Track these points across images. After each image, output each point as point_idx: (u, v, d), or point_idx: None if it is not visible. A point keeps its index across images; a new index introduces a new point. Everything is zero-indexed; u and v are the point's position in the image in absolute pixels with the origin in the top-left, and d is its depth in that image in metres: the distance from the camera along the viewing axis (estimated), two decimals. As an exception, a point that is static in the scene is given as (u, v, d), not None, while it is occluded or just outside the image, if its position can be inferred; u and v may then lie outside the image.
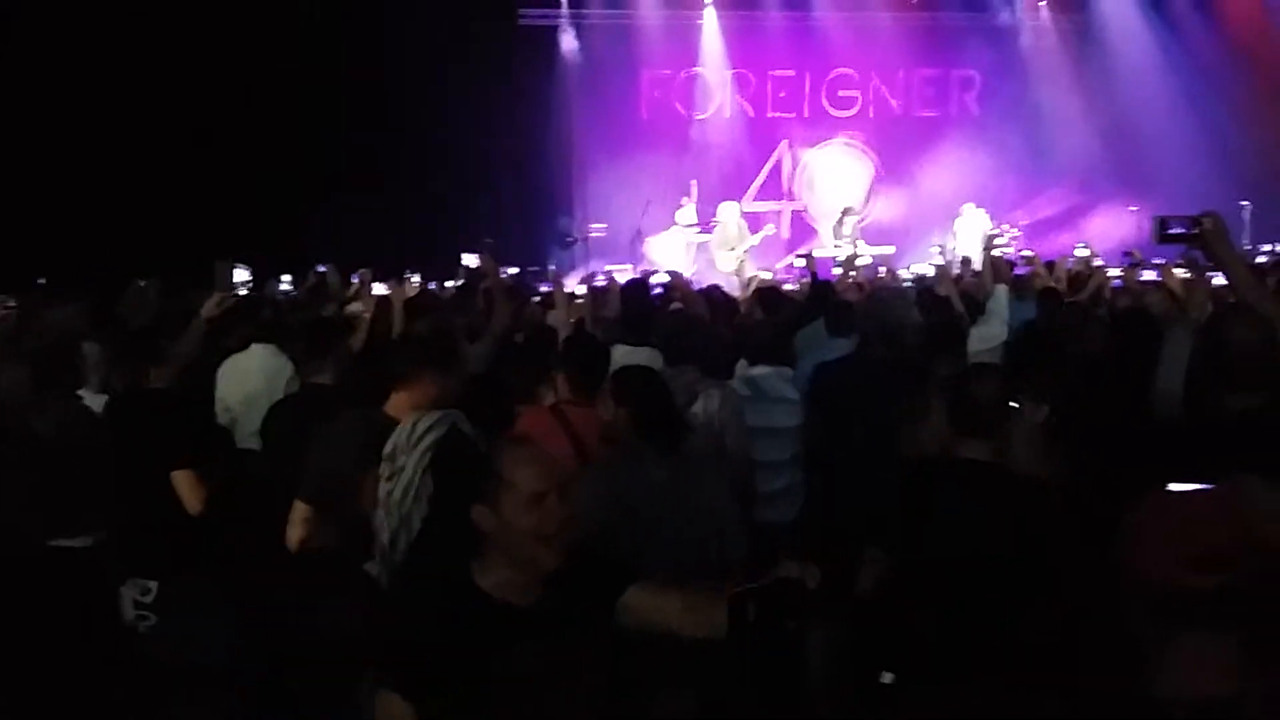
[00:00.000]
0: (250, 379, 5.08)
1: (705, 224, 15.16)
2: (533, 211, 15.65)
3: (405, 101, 13.94)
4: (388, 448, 3.22)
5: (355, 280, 8.90)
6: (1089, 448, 4.01)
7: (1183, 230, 3.31)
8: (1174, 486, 1.94)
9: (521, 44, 15.86)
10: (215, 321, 5.38)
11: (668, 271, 7.96)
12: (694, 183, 15.79)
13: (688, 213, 15.32)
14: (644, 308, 5.60)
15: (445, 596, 2.24)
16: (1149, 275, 7.25)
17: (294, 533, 3.60)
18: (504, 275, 10.00)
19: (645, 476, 3.43)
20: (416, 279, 8.63)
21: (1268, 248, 12.55)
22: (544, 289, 9.66)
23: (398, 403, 3.59)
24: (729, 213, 14.72)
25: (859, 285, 8.75)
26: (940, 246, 13.25)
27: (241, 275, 7.35)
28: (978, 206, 15.53)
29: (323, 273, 8.64)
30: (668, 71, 16.93)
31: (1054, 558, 2.96)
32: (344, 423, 3.61)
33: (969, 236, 14.85)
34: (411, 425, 3.24)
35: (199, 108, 12.78)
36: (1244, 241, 13.06)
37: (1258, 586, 1.67)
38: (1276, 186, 14.26)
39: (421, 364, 3.69)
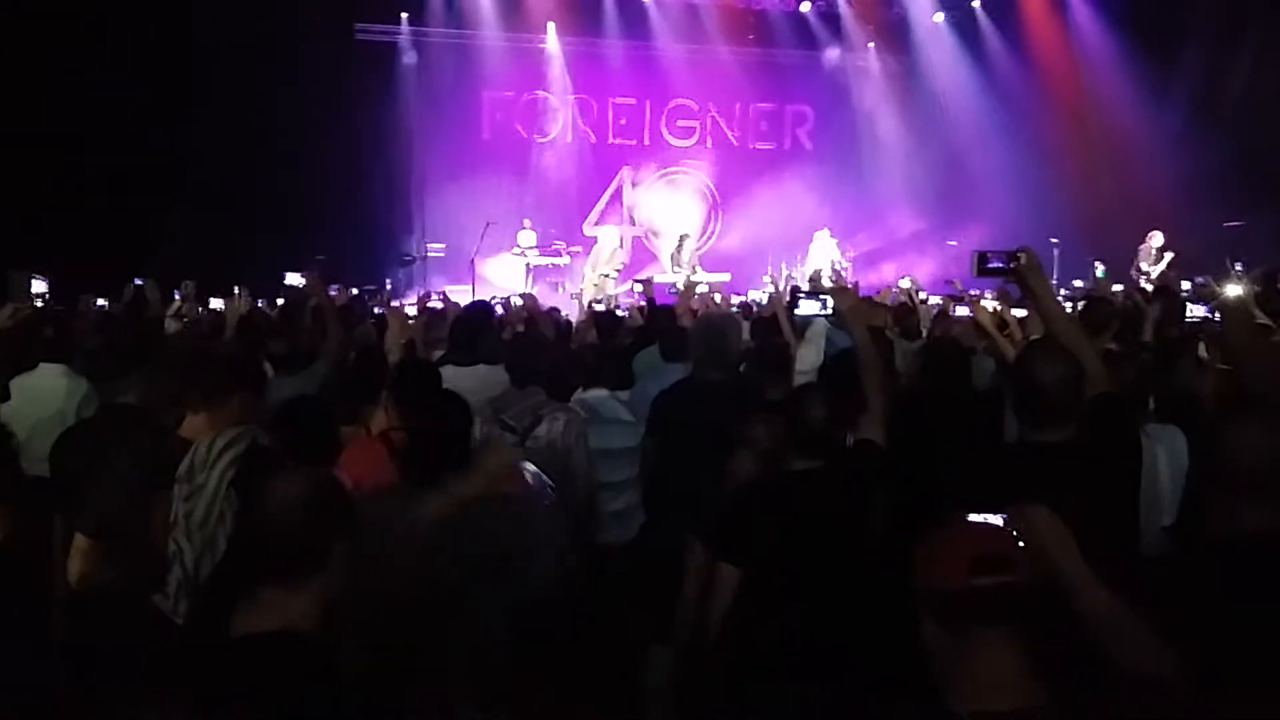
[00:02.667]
0: (39, 401, 4.74)
1: (546, 247, 15.16)
2: (370, 229, 15.33)
3: (235, 113, 13.44)
4: (183, 467, 3.04)
5: (177, 295, 8.51)
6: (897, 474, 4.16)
7: (1001, 264, 3.43)
8: (972, 517, 2.02)
9: (358, 59, 15.57)
10: (5, 334, 5.01)
11: (521, 295, 7.91)
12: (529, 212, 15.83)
13: (528, 235, 15.30)
14: (474, 329, 5.51)
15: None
16: (962, 310, 7.57)
17: (73, 567, 3.32)
18: (337, 294, 9.76)
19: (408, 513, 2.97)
20: (246, 295, 8.28)
21: (1079, 283, 13.34)
22: (379, 309, 9.44)
23: (194, 424, 3.37)
24: (607, 236, 14.82)
25: (694, 311, 8.88)
26: (771, 275, 13.63)
27: (39, 287, 6.89)
28: (832, 235, 16.10)
29: (140, 286, 8.19)
30: (510, 93, 16.92)
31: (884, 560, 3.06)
32: (130, 447, 3.37)
33: (819, 263, 15.39)
34: (210, 442, 3.09)
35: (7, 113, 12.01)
36: (1053, 277, 13.86)
37: (1039, 600, 1.76)
38: (1082, 225, 15.22)
39: (232, 385, 3.51)
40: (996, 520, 1.99)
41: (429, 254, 15.33)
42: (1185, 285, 8.47)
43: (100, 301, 9.03)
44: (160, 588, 2.99)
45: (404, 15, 16.07)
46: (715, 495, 3.69)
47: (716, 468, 3.81)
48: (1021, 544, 1.98)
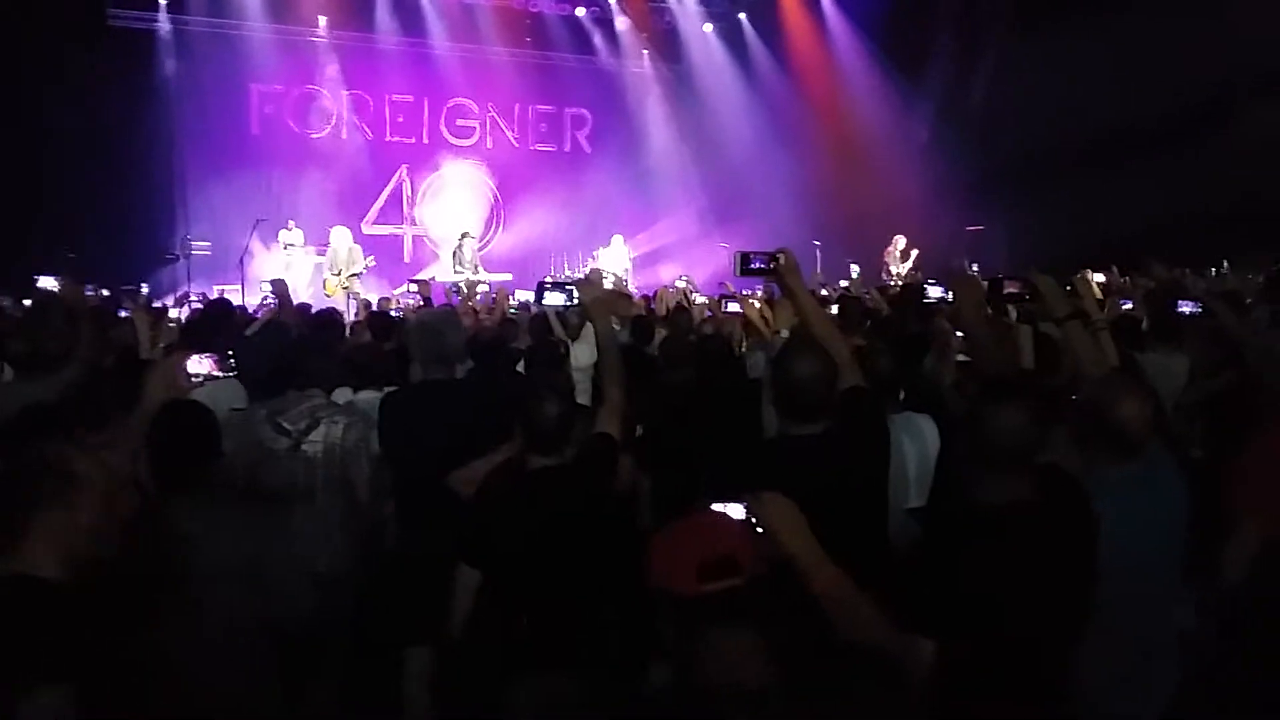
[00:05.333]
0: None
1: (321, 245, 14.70)
2: (127, 226, 14.38)
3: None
4: None
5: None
6: (670, 467, 4.33)
7: (762, 265, 3.61)
8: (714, 506, 2.15)
9: (112, 47, 14.60)
10: None
11: (272, 280, 7.60)
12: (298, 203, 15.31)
13: (293, 234, 14.78)
14: (211, 326, 5.31)
15: None
16: (734, 306, 7.91)
17: None
18: (91, 294, 9.14)
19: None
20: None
21: (844, 283, 14.12)
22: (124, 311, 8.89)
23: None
24: (340, 238, 14.37)
25: (475, 311, 8.87)
26: (550, 277, 13.73)
27: None
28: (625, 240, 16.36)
29: None
30: (280, 87, 16.29)
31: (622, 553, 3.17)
32: None
33: (613, 266, 15.64)
34: None
35: None
36: (816, 277, 14.62)
37: (769, 591, 1.87)
38: (842, 228, 16.13)
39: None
40: (738, 509, 2.13)
41: (193, 252, 14.54)
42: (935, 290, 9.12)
43: None
44: None
45: (161, 2, 15.19)
46: (451, 499, 3.69)
47: (450, 468, 3.82)
48: (759, 531, 2.13)
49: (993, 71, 16.92)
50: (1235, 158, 13.93)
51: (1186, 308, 5.86)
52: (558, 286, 4.29)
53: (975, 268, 13.01)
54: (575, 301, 4.19)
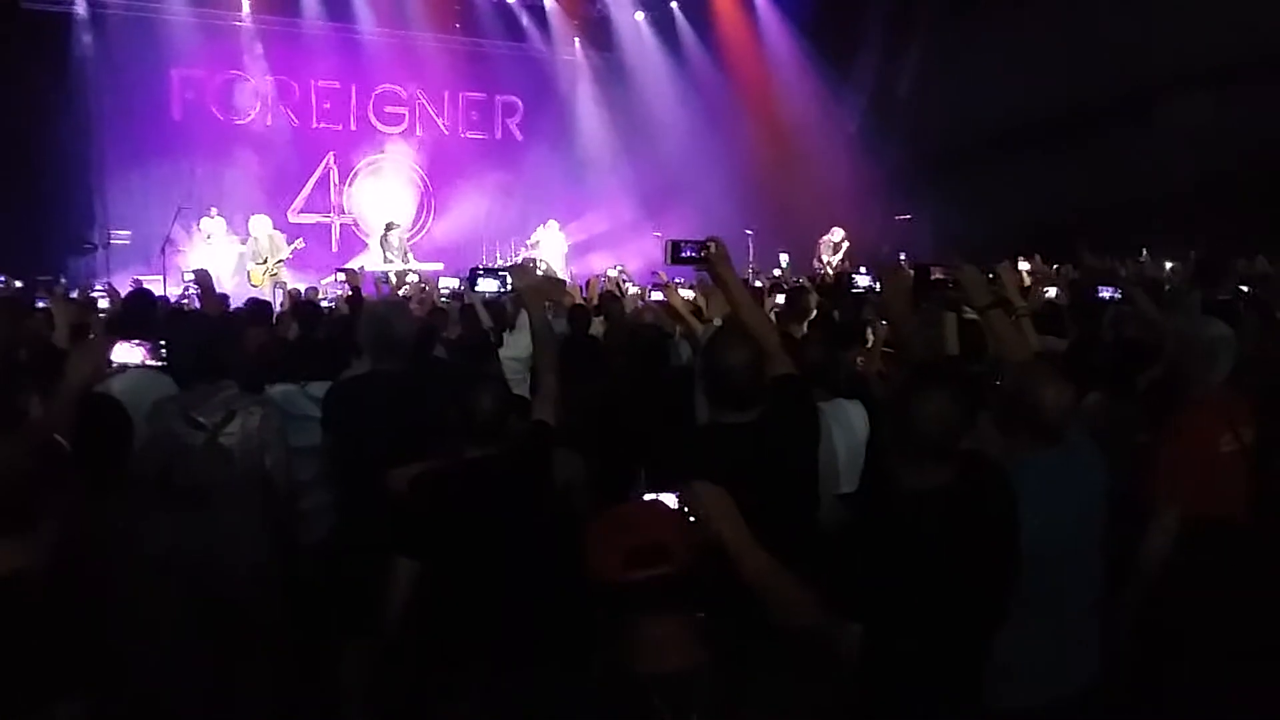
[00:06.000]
0: None
1: (245, 234, 14.42)
2: (42, 215, 13.96)
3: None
4: None
5: None
6: (607, 455, 4.32)
7: (693, 253, 3.61)
8: (646, 496, 2.16)
9: (26, 30, 14.15)
10: None
11: (194, 270, 7.44)
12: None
13: (215, 223, 14.47)
14: (137, 318, 5.19)
15: None
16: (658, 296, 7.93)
17: None
18: (3, 285, 8.88)
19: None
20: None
21: (778, 272, 14.22)
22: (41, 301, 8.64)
23: None
24: (260, 225, 14.11)
25: (405, 301, 8.77)
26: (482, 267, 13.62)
27: None
28: (561, 227, 16.33)
29: None
30: (202, 72, 15.92)
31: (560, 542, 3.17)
32: None
33: (549, 254, 15.59)
34: None
35: None
36: (749, 265, 14.72)
37: (699, 578, 1.88)
38: (773, 217, 16.27)
39: None
40: (671, 498, 2.15)
41: (113, 241, 14.17)
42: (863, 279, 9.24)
43: None
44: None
45: (77, -16, 14.76)
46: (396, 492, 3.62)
47: (398, 460, 3.78)
48: (691, 519, 2.15)
49: (921, 62, 17.15)
50: (1154, 147, 14.30)
51: (1107, 294, 6.00)
52: (491, 273, 4.26)
53: (903, 257, 13.19)
54: (509, 288, 4.15)
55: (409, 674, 3.48)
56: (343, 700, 3.91)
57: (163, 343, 3.70)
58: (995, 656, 2.57)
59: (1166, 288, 7.28)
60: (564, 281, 9.92)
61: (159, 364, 3.72)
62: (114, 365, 3.63)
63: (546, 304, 5.41)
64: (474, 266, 4.42)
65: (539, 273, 10.08)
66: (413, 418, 3.88)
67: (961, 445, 2.55)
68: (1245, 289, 7.73)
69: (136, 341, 3.62)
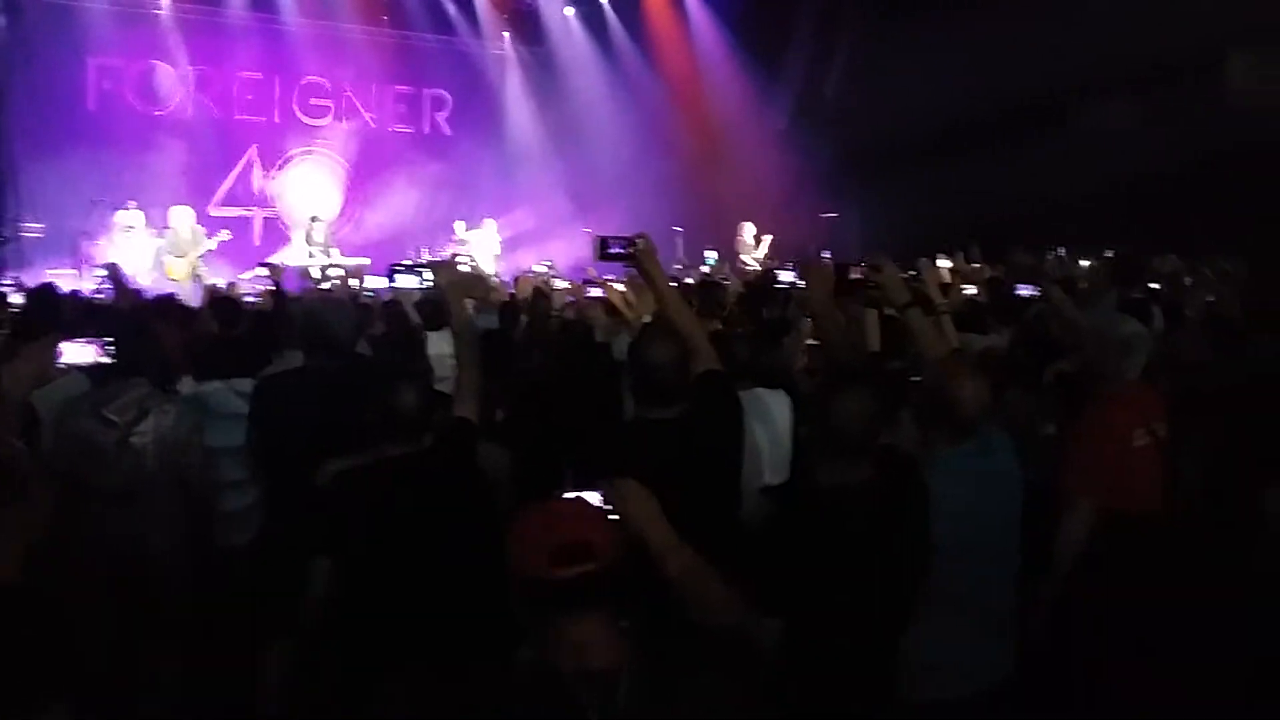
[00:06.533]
0: None
1: (164, 228, 14.06)
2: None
3: None
4: None
5: None
6: (533, 451, 4.30)
7: (620, 250, 3.64)
8: (567, 495, 2.16)
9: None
10: None
11: (105, 264, 7.25)
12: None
13: (133, 215, 14.09)
14: (44, 314, 5.04)
15: None
16: (595, 291, 7.93)
17: None
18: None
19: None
20: None
21: (706, 269, 14.28)
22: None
23: None
24: (181, 218, 13.78)
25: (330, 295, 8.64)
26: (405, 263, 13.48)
27: None
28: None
29: None
30: (120, 61, 15.46)
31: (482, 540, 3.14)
32: None
33: (482, 250, 15.50)
34: None
35: None
36: (677, 262, 14.77)
37: (623, 576, 1.88)
38: (701, 214, 16.33)
39: None
40: (594, 496, 2.15)
41: (24, 235, 13.73)
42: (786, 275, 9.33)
43: None
44: None
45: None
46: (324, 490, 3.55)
47: (326, 458, 3.72)
48: (614, 517, 2.15)
49: (848, 63, 17.37)
50: (1072, 150, 14.68)
51: (1027, 292, 6.13)
52: (410, 269, 4.20)
53: (829, 255, 13.34)
54: (429, 284, 4.10)
55: (331, 674, 3.42)
56: (259, 700, 3.83)
57: (111, 341, 3.63)
58: (913, 649, 2.62)
59: (1082, 285, 7.46)
60: (487, 278, 9.85)
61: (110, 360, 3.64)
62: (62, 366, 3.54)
63: (469, 300, 5.38)
64: (393, 263, 4.34)
65: (463, 269, 9.97)
66: (345, 414, 3.81)
67: (879, 442, 2.59)
68: (1155, 287, 7.98)
69: (85, 340, 3.54)
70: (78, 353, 3.53)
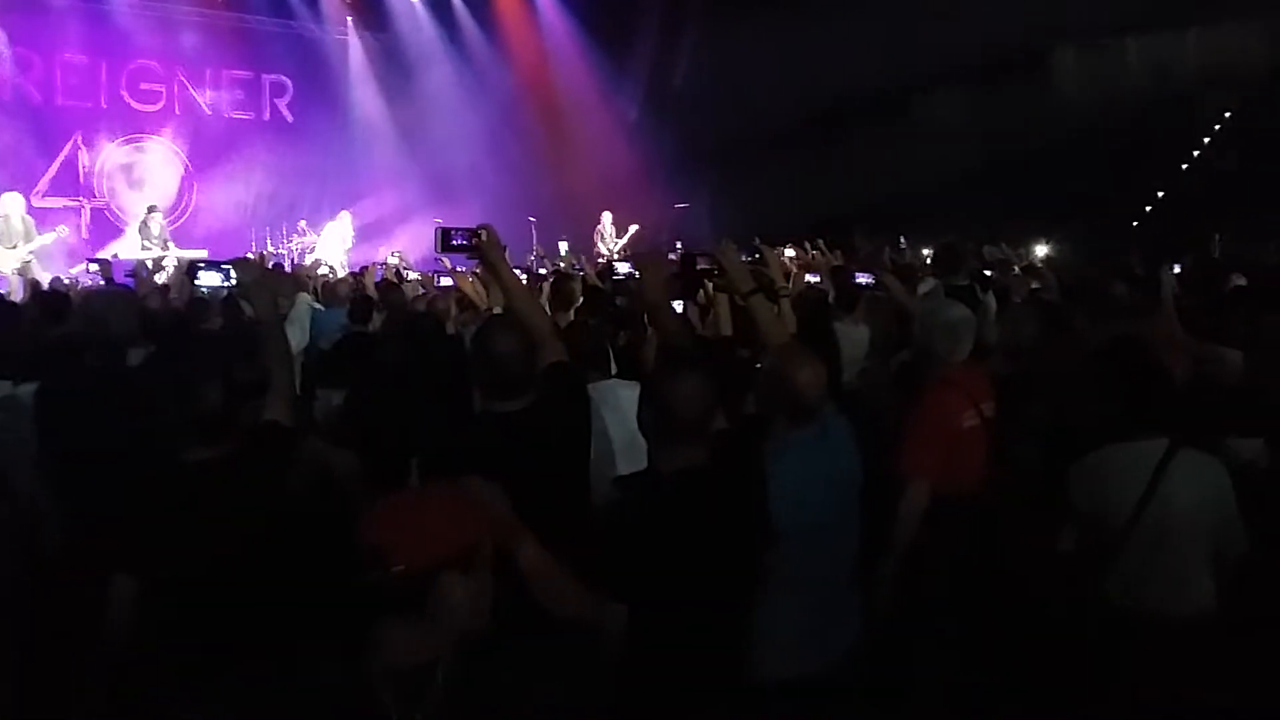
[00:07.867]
0: None
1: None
2: None
3: None
4: None
5: None
6: (382, 446, 4.22)
7: (463, 241, 3.56)
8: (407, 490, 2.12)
9: None
10: None
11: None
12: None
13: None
14: None
15: None
16: (446, 282, 7.82)
17: None
18: None
19: None
20: None
21: (560, 260, 14.23)
22: None
23: None
24: (13, 205, 12.96)
25: (164, 289, 8.26)
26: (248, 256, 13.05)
27: None
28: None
29: None
30: (-71, 42, 14.45)
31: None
32: None
33: (332, 243, 15.19)
34: None
35: None
36: (533, 252, 14.70)
37: (429, 577, 1.83)
38: (555, 205, 16.30)
39: None
40: (424, 491, 2.11)
41: None
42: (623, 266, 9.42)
43: None
44: None
45: None
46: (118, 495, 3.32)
47: (118, 463, 3.52)
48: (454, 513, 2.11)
49: (693, 54, 17.58)
50: (912, 140, 15.24)
51: (864, 280, 6.31)
52: (213, 265, 3.94)
53: (679, 245, 13.51)
54: (233, 282, 3.87)
55: (145, 683, 3.25)
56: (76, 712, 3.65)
57: None
58: (756, 630, 2.67)
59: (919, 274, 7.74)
60: (293, 275, 9.62)
61: None
62: None
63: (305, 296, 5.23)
64: (193, 260, 4.07)
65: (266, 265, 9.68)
66: (129, 418, 3.60)
67: (713, 426, 2.63)
68: (989, 274, 8.35)
69: None
70: None
